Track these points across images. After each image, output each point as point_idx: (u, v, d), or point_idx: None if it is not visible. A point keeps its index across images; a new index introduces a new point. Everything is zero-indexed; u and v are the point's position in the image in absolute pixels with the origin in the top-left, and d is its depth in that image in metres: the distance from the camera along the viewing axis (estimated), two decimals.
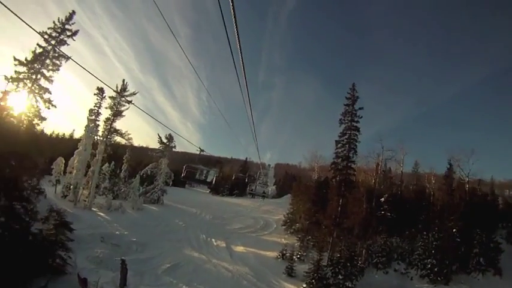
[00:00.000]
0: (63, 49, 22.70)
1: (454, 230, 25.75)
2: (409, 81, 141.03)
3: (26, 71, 20.92)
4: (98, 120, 31.66)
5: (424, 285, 24.11)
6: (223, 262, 23.85)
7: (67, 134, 64.05)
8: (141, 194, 39.98)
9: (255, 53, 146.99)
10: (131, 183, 37.91)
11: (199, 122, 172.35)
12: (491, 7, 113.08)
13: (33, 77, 20.88)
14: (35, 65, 21.11)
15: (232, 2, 3.38)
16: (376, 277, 25.09)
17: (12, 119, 16.71)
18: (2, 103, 16.26)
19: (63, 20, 22.42)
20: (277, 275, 23.26)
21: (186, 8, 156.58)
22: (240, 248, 28.38)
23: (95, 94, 31.21)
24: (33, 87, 20.81)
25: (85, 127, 30.84)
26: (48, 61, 21.52)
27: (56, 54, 21.75)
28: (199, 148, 15.90)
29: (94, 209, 30.69)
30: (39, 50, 21.24)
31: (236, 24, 3.71)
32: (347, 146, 29.43)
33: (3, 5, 3.88)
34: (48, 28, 22.08)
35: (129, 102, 32.29)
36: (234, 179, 72.30)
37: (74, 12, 22.81)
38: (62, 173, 34.28)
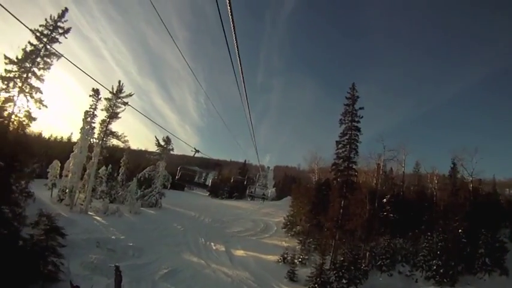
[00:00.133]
0: (58, 48, 22.23)
1: (459, 231, 25.21)
2: (408, 82, 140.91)
3: (17, 69, 20.27)
4: (94, 123, 30.99)
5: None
6: (223, 267, 23.16)
7: (65, 138, 63.30)
8: (139, 197, 39.31)
9: (253, 55, 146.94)
10: (128, 187, 37.21)
11: (197, 124, 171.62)
12: (491, 7, 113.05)
13: (24, 76, 20.20)
14: (26, 63, 20.45)
15: (230, 5, 3.33)
16: (381, 280, 24.42)
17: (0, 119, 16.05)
18: None
19: (56, 18, 21.85)
20: (278, 279, 22.58)
21: (184, 11, 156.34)
22: (240, 252, 27.71)
23: (90, 96, 30.57)
24: (23, 87, 20.12)
25: (80, 129, 30.18)
26: (39, 59, 20.86)
27: (47, 53, 21.12)
28: (195, 149, 15.30)
29: (90, 213, 29.97)
30: (30, 48, 20.61)
31: (234, 27, 3.71)
32: (348, 146, 28.91)
33: None
34: (40, 25, 21.51)
35: (125, 103, 31.71)
36: (233, 182, 71.64)
37: (66, 9, 22.27)
38: (57, 176, 33.54)
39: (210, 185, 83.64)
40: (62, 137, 63.44)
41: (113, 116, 31.56)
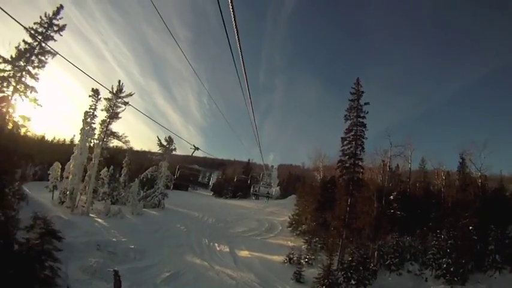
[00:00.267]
0: (54, 46, 21.62)
1: (470, 228, 24.42)
2: (410, 79, 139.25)
3: (10, 68, 19.71)
4: (94, 123, 30.47)
5: (440, 286, 22.51)
6: (227, 269, 22.43)
7: (68, 140, 62.99)
8: (141, 198, 38.94)
9: (255, 54, 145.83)
10: (130, 188, 36.74)
11: (201, 125, 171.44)
12: (491, 6, 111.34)
13: (18, 75, 19.64)
14: (20, 62, 19.88)
15: (232, 5, 3.33)
16: (390, 280, 23.62)
17: None
18: None
19: (51, 15, 21.29)
20: (284, 281, 21.79)
21: (185, 11, 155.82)
22: (244, 253, 27.04)
23: (90, 96, 30.03)
24: (18, 86, 19.56)
25: (80, 130, 29.67)
26: (33, 58, 20.27)
27: (42, 51, 20.53)
28: (194, 146, 14.63)
29: (92, 215, 29.50)
30: (23, 46, 20.03)
31: (236, 27, 3.69)
32: (353, 143, 28.13)
33: None
34: (35, 23, 20.95)
35: (126, 103, 31.15)
36: (236, 181, 71.21)
37: (61, 6, 21.68)
38: (58, 178, 33.12)
39: (211, 184, 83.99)
40: (64, 139, 63.16)
41: (113, 116, 31.01)
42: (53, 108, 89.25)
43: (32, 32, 20.05)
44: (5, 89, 19.05)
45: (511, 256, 23.21)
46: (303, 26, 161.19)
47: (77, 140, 31.37)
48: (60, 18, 21.58)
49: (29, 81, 20.26)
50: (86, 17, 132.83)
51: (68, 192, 29.47)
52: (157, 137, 43.58)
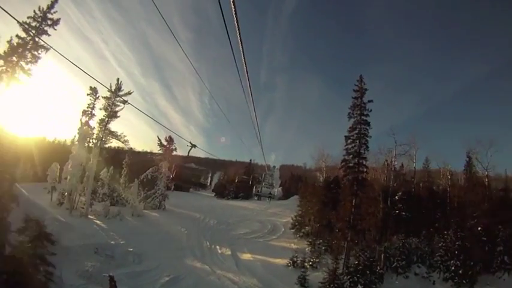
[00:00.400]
0: (48, 41, 21.00)
1: (479, 228, 23.66)
2: (412, 77, 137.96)
3: (3, 64, 19.09)
4: (92, 122, 29.88)
5: None
6: (228, 273, 21.68)
7: (69, 141, 62.42)
8: (142, 199, 38.31)
9: (256, 53, 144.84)
10: (130, 189, 36.11)
11: (203, 125, 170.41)
12: (493, 1, 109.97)
13: (10, 70, 19.02)
14: (13, 57, 19.28)
15: (234, 7, 3.35)
16: (397, 283, 22.95)
17: None
18: None
19: (45, 9, 20.68)
20: (288, 285, 21.03)
21: (186, 11, 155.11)
22: (246, 256, 26.30)
23: (88, 94, 29.41)
24: (11, 83, 18.94)
25: (78, 129, 29.05)
26: (26, 52, 19.66)
27: (35, 45, 19.86)
28: (190, 143, 13.89)
29: (91, 217, 28.81)
30: (16, 41, 19.40)
31: (238, 28, 3.73)
32: (357, 141, 27.41)
33: None
34: (28, 17, 20.35)
35: (125, 102, 30.49)
36: (237, 182, 70.50)
37: (56, 0, 21.02)
38: (57, 179, 32.49)
39: (208, 184, 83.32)
40: (65, 140, 62.61)
41: (112, 115, 30.30)
42: (55, 109, 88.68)
43: (26, 26, 19.41)
44: None
45: None
46: (305, 24, 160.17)
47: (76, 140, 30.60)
48: (54, 12, 21.00)
49: (22, 77, 19.66)
50: (85, 15, 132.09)
51: (66, 194, 28.81)
52: (158, 137, 43.12)
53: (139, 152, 69.10)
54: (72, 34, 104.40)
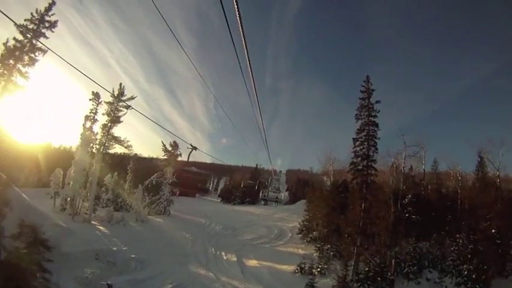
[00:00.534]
0: (47, 43, 20.70)
1: (493, 231, 22.67)
2: (417, 77, 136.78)
3: (0, 67, 18.82)
4: (94, 127, 29.56)
5: None
6: (234, 280, 20.84)
7: (74, 147, 62.58)
8: (146, 205, 37.87)
9: (261, 59, 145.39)
10: (134, 194, 35.69)
11: (208, 131, 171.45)
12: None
13: (6, 73, 18.72)
14: (10, 60, 19.03)
15: (238, 11, 3.33)
16: None
17: None
18: None
19: (42, 11, 20.44)
20: None
21: (189, 17, 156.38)
22: (252, 262, 25.49)
23: (90, 99, 29.11)
24: (8, 86, 18.64)
25: (80, 135, 28.73)
26: (23, 55, 19.38)
27: (32, 48, 19.57)
28: (191, 145, 13.34)
29: (94, 222, 28.32)
30: (12, 43, 19.15)
31: (243, 33, 3.73)
32: (366, 143, 26.79)
33: None
34: (25, 20, 20.09)
35: (128, 106, 30.15)
36: (243, 187, 69.86)
37: (54, 2, 20.75)
38: (60, 185, 32.21)
39: (210, 188, 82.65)
40: (70, 147, 62.86)
41: (114, 120, 29.94)
42: (61, 116, 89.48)
43: (22, 28, 19.12)
44: None
45: None
46: (308, 27, 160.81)
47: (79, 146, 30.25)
48: (52, 15, 20.74)
49: (19, 80, 19.37)
50: (88, 24, 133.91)
51: (68, 199, 28.44)
52: (162, 142, 42.85)
53: (145, 158, 69.04)
54: (77, 42, 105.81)
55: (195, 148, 13.44)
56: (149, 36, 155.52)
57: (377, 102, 27.25)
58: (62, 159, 42.14)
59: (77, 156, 28.83)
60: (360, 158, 26.70)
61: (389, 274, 21.93)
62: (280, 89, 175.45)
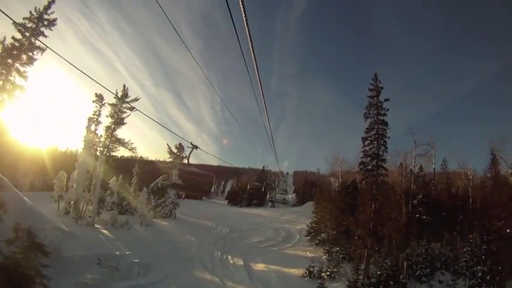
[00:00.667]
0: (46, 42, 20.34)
1: (507, 231, 21.60)
2: (424, 77, 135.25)
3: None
4: (98, 129, 29.17)
5: None
6: (240, 285, 20.02)
7: (80, 150, 62.71)
8: (151, 208, 37.42)
9: (267, 61, 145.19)
10: (139, 197, 35.23)
11: (215, 134, 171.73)
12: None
13: (4, 72, 18.35)
14: (8, 60, 18.67)
15: (245, 13, 3.32)
16: None
17: None
18: None
19: (41, 10, 20.09)
20: None
21: (195, 20, 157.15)
22: (260, 266, 24.67)
23: (93, 101, 28.75)
24: (6, 86, 18.26)
25: (84, 137, 28.37)
26: (22, 54, 18.98)
27: (30, 46, 19.14)
28: (191, 144, 12.69)
29: (97, 226, 27.82)
30: (10, 42, 18.79)
31: (250, 37, 3.73)
32: (375, 142, 25.79)
33: None
34: (24, 18, 19.77)
35: (132, 108, 29.70)
36: (249, 189, 69.17)
37: (53, 0, 20.46)
38: (64, 188, 31.89)
39: (212, 190, 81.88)
40: (77, 150, 63.01)
41: (118, 122, 29.52)
42: (67, 119, 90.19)
43: (20, 27, 18.75)
44: None
45: None
46: (314, 29, 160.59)
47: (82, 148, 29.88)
48: (51, 13, 20.36)
49: (18, 80, 19.00)
50: (95, 28, 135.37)
51: (72, 202, 28.04)
52: (167, 145, 42.46)
53: (151, 161, 68.92)
54: (84, 47, 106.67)
55: (195, 147, 12.78)
56: (155, 39, 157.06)
57: (386, 100, 26.29)
58: (68, 162, 42.07)
59: (80, 158, 28.44)
60: (369, 158, 25.75)
61: (401, 277, 21.04)
62: (286, 91, 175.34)
